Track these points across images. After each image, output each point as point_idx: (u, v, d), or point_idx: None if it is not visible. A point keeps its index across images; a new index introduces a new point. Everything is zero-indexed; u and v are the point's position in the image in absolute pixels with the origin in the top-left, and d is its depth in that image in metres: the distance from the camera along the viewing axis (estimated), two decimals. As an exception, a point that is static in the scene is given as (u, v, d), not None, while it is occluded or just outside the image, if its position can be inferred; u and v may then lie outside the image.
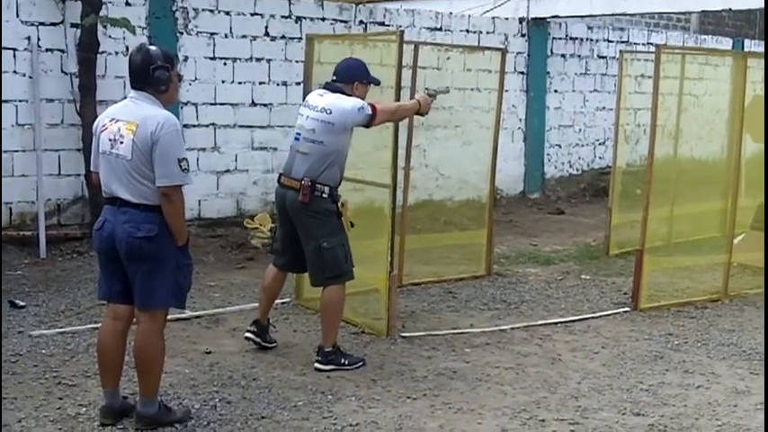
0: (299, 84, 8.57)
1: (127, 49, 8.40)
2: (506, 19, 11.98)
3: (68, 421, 4.47)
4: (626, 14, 13.54)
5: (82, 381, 5.00)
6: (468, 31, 11.49)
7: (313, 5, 9.94)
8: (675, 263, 7.85)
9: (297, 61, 9.28)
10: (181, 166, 4.18)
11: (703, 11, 15.17)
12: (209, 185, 9.33)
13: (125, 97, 4.44)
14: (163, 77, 4.25)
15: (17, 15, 8.11)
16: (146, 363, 4.34)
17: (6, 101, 8.07)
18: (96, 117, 4.77)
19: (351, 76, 5.47)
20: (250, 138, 9.57)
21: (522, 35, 12.08)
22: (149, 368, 4.35)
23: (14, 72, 8.13)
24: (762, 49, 14.16)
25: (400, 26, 10.35)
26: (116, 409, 4.44)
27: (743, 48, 14.71)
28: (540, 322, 6.46)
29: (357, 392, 4.98)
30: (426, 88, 5.87)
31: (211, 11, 9.21)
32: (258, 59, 9.56)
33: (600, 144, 13.16)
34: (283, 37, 9.71)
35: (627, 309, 6.84)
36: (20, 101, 8.17)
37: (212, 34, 9.23)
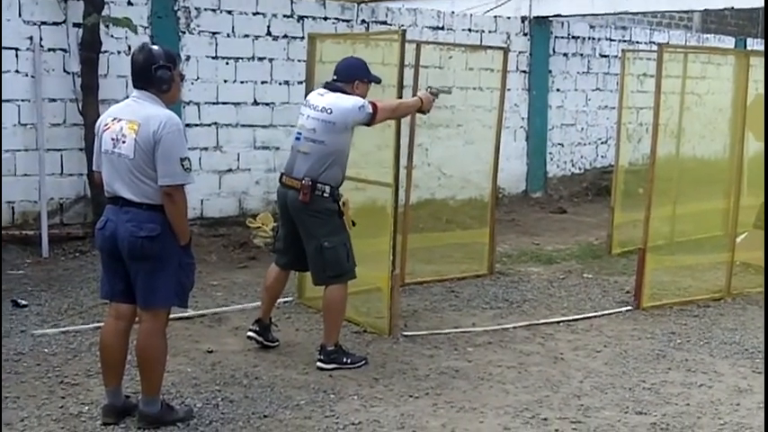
0: (301, 83, 8.58)
1: (129, 48, 8.40)
2: (508, 18, 11.98)
3: (71, 420, 4.47)
4: (628, 13, 13.53)
5: (84, 380, 5.01)
6: (470, 30, 11.48)
7: (315, 5, 9.94)
8: (678, 261, 7.85)
9: (299, 60, 9.28)
10: (183, 166, 4.18)
11: (706, 9, 15.18)
12: (212, 185, 9.34)
13: (127, 97, 4.45)
14: (165, 77, 4.26)
15: (19, 15, 8.12)
16: (148, 362, 4.34)
17: (9, 100, 8.08)
18: (98, 116, 4.77)
19: (351, 75, 5.47)
20: (252, 137, 9.57)
21: (525, 34, 12.08)
22: (151, 367, 4.35)
23: (17, 72, 8.13)
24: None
25: (402, 25, 10.34)
26: (118, 408, 4.44)
27: (745, 46, 14.69)
28: (542, 321, 6.46)
29: (359, 391, 4.98)
30: (429, 87, 5.86)
31: (213, 10, 9.21)
32: (260, 59, 9.56)
33: (602, 143, 13.15)
34: (285, 36, 9.71)
35: (629, 307, 6.83)
36: (22, 100, 8.18)
37: (214, 33, 9.23)
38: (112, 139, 4.24)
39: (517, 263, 8.42)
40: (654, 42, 12.77)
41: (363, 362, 5.41)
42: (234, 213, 9.45)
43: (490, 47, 10.53)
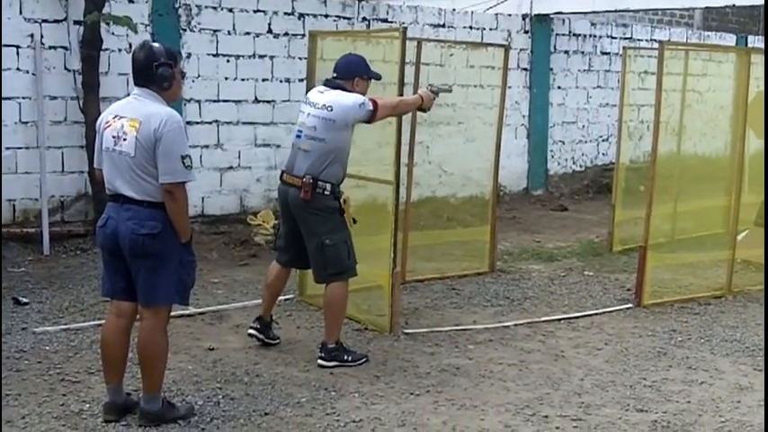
0: (302, 81, 8.59)
1: (130, 46, 8.40)
2: (509, 15, 11.97)
3: (72, 418, 4.48)
4: (629, 11, 13.53)
5: (85, 377, 5.01)
6: (471, 27, 11.47)
7: (316, 2, 9.93)
8: (679, 259, 7.85)
9: (300, 58, 9.27)
10: (184, 163, 4.18)
11: (707, 7, 15.18)
12: (213, 182, 9.34)
13: (128, 94, 4.45)
14: (166, 74, 4.26)
15: (20, 12, 8.11)
16: (149, 359, 4.35)
17: (10, 98, 8.08)
18: (99, 114, 4.77)
19: (351, 72, 5.46)
20: (253, 135, 9.57)
21: (526, 31, 12.07)
22: (152, 365, 4.36)
23: (17, 69, 8.13)
24: (765, 45, 14.14)
25: (403, 23, 10.33)
26: (119, 406, 4.45)
27: (746, 44, 14.68)
28: (543, 319, 6.46)
29: (360, 389, 4.99)
30: (430, 85, 5.86)
31: (214, 8, 9.21)
32: (261, 56, 9.55)
33: (603, 140, 13.14)
34: (286, 34, 9.71)
35: (630, 305, 6.83)
36: (23, 98, 8.17)
37: (215, 31, 9.23)
38: (113, 137, 4.24)
39: (518, 260, 8.42)
40: (655, 40, 12.77)
41: (364, 359, 5.41)
42: (235, 211, 9.45)
43: (491, 44, 10.56)
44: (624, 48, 9.40)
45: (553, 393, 4.99)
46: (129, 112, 4.25)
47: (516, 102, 11.89)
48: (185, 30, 9.03)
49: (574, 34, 12.64)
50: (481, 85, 11.06)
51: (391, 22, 10.53)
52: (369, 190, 6.49)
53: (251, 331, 5.66)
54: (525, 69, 12.10)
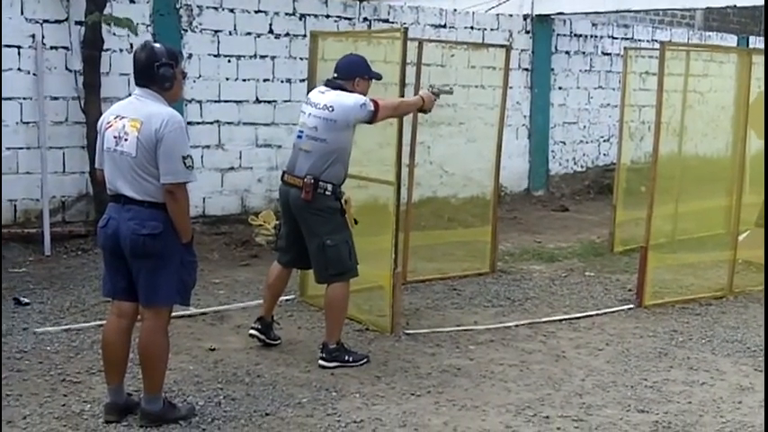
0: (303, 81, 8.59)
1: (131, 46, 8.40)
2: (510, 16, 11.97)
3: (73, 418, 4.48)
4: (630, 11, 13.53)
5: (86, 378, 5.01)
6: (472, 28, 11.47)
7: (317, 3, 9.93)
8: (680, 260, 7.85)
9: (301, 58, 9.28)
10: (185, 164, 4.19)
11: (708, 7, 15.16)
12: (214, 183, 9.34)
13: (129, 94, 4.45)
14: (167, 75, 4.26)
15: (21, 13, 8.12)
16: (150, 360, 4.35)
17: (11, 98, 8.08)
18: (101, 114, 4.77)
19: (352, 73, 5.46)
20: (254, 135, 9.57)
21: (527, 32, 12.07)
22: (154, 365, 4.36)
23: (19, 69, 8.13)
24: (767, 45, 14.13)
25: (404, 23, 10.33)
26: (120, 406, 4.45)
27: (748, 44, 14.67)
28: (544, 319, 6.46)
29: (361, 389, 4.99)
30: (431, 86, 5.86)
31: (215, 8, 9.21)
32: (262, 57, 9.56)
33: (604, 141, 13.14)
34: (287, 34, 9.71)
35: (631, 306, 6.83)
36: (24, 98, 8.18)
37: (216, 31, 9.23)
38: (115, 137, 4.24)
39: (519, 261, 8.42)
40: (656, 40, 12.76)
41: (365, 360, 5.41)
42: (236, 211, 9.45)
43: (492, 45, 10.55)
44: (625, 48, 9.40)
45: (554, 394, 4.99)
46: (131, 113, 4.25)
47: (517, 102, 11.89)
48: (186, 30, 9.03)
49: (575, 35, 12.64)
50: (482, 85, 11.06)
51: (392, 23, 10.53)
52: (370, 190, 6.49)
53: (252, 332, 5.66)
54: (526, 70, 12.10)
